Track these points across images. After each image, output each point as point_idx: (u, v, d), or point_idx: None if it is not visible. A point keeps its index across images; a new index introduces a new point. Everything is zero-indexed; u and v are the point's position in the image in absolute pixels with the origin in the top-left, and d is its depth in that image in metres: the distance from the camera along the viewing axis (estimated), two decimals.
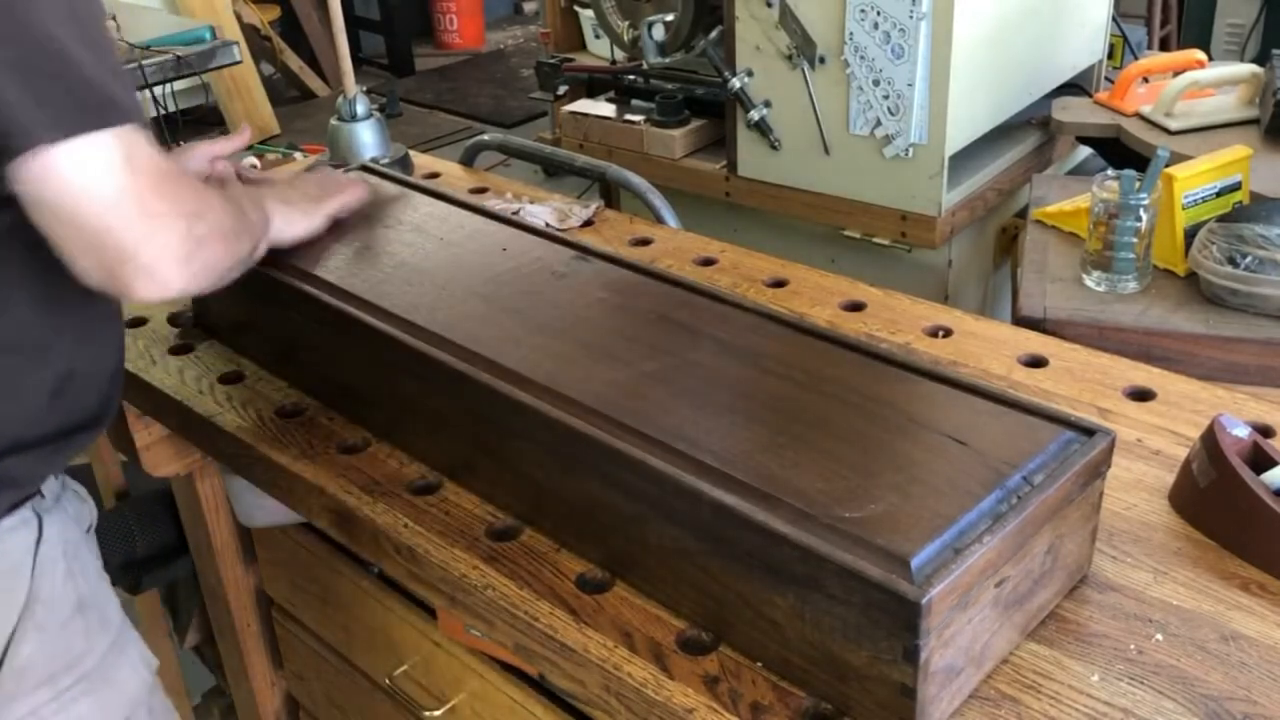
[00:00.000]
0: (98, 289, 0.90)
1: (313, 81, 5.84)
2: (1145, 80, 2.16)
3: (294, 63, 5.79)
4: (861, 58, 1.98)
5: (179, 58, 2.92)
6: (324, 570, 1.37)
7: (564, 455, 0.95)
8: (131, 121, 0.87)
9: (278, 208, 1.20)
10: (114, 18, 3.03)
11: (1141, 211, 1.56)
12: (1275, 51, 1.98)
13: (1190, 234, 1.63)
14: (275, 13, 5.75)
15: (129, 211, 0.87)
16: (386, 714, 1.38)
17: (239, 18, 5.07)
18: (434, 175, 1.83)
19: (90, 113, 0.85)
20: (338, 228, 1.30)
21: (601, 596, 0.93)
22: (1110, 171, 1.63)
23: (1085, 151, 2.45)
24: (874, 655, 0.78)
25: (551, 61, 2.86)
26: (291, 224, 1.22)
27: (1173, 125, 1.99)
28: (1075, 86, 2.37)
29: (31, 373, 0.98)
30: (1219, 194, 1.67)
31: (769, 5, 2.04)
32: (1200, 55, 2.19)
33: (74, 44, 0.85)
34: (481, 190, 1.74)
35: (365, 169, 1.48)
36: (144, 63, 2.83)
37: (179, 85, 3.30)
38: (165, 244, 0.89)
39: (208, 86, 4.19)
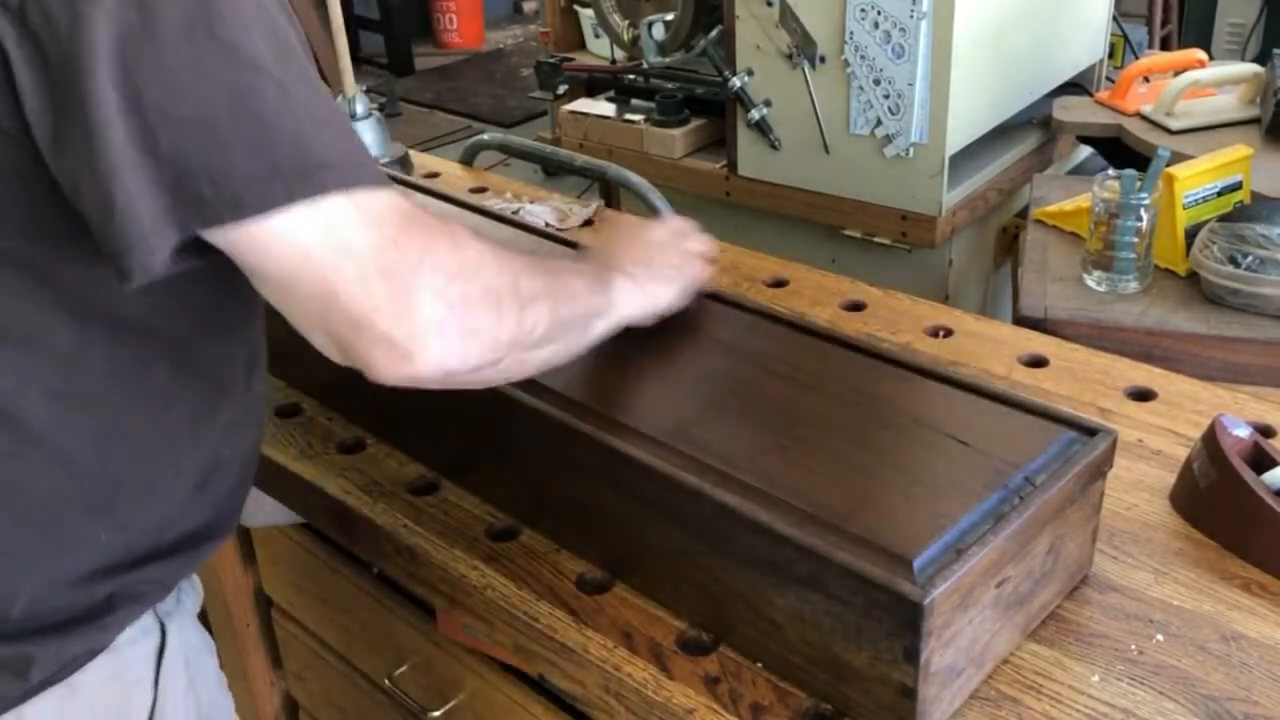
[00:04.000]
0: (346, 365, 0.77)
1: None
2: (1146, 80, 2.16)
3: None
4: (862, 57, 1.98)
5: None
6: (324, 570, 1.37)
7: (564, 455, 0.95)
8: (360, 181, 0.72)
9: (627, 279, 0.96)
10: None
11: (1142, 211, 1.56)
12: (1276, 51, 1.98)
13: (1191, 234, 1.63)
14: None
15: (357, 273, 0.71)
16: (386, 714, 1.37)
17: None
18: (434, 175, 1.83)
19: (306, 175, 0.70)
20: None
21: (601, 596, 0.93)
22: (1111, 171, 1.62)
23: (1086, 151, 2.45)
24: (874, 655, 0.77)
25: (551, 61, 2.86)
26: (650, 300, 0.98)
27: (1173, 125, 1.99)
28: (1076, 86, 2.37)
29: (181, 463, 0.87)
30: (1220, 194, 1.66)
31: (769, 5, 2.04)
32: (1201, 55, 2.18)
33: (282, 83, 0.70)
34: (481, 190, 1.74)
35: None
36: None
37: None
38: (406, 309, 0.72)
39: None
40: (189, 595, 0.98)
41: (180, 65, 0.66)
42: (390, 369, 0.75)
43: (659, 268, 1.01)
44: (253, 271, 0.74)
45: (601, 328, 0.92)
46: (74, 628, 0.83)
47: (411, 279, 0.72)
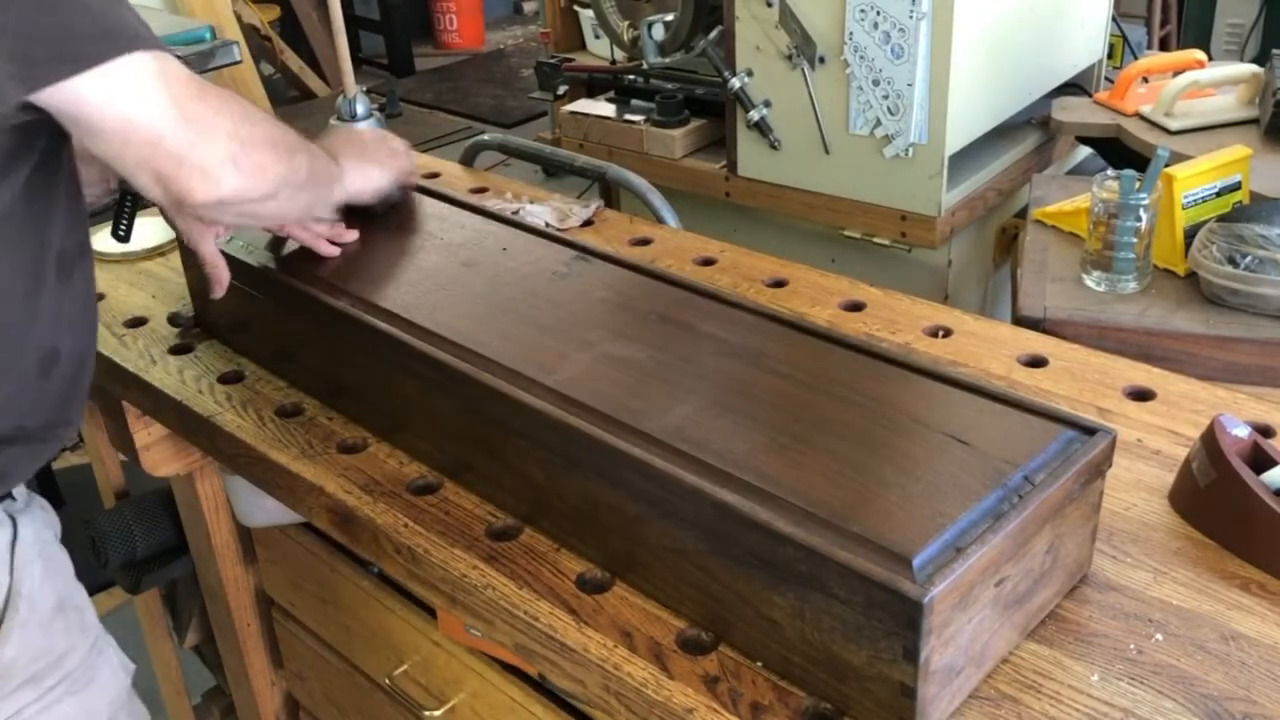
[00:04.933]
0: (162, 203, 0.98)
1: (313, 81, 5.85)
2: (1145, 80, 2.16)
3: (294, 63, 5.79)
4: (861, 58, 1.98)
5: (179, 58, 2.92)
6: (324, 570, 1.37)
7: (564, 455, 0.95)
8: (157, 48, 0.94)
9: (351, 162, 1.21)
10: None
11: (1141, 211, 1.56)
12: (1275, 51, 1.98)
13: (1190, 234, 1.63)
14: (275, 13, 5.76)
15: (173, 119, 0.92)
16: (386, 714, 1.38)
17: (239, 18, 5.06)
18: (434, 175, 1.83)
19: (116, 39, 0.90)
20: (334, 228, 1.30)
21: (601, 596, 0.93)
22: (1110, 171, 1.63)
23: (1085, 151, 2.45)
24: (874, 655, 0.78)
25: (551, 61, 2.86)
26: (368, 178, 1.24)
27: (1173, 125, 1.99)
28: (1075, 86, 2.37)
29: (18, 347, 1.00)
30: (1219, 194, 1.67)
31: (769, 5, 2.04)
32: (1200, 55, 2.19)
33: None
34: (481, 190, 1.74)
35: None
36: None
37: None
38: (212, 144, 0.94)
39: None
40: (40, 509, 1.11)
41: None
42: (205, 193, 0.95)
43: (371, 158, 1.27)
44: (84, 125, 0.91)
45: (339, 194, 1.17)
46: None
47: (214, 122, 0.95)
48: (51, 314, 1.02)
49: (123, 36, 0.91)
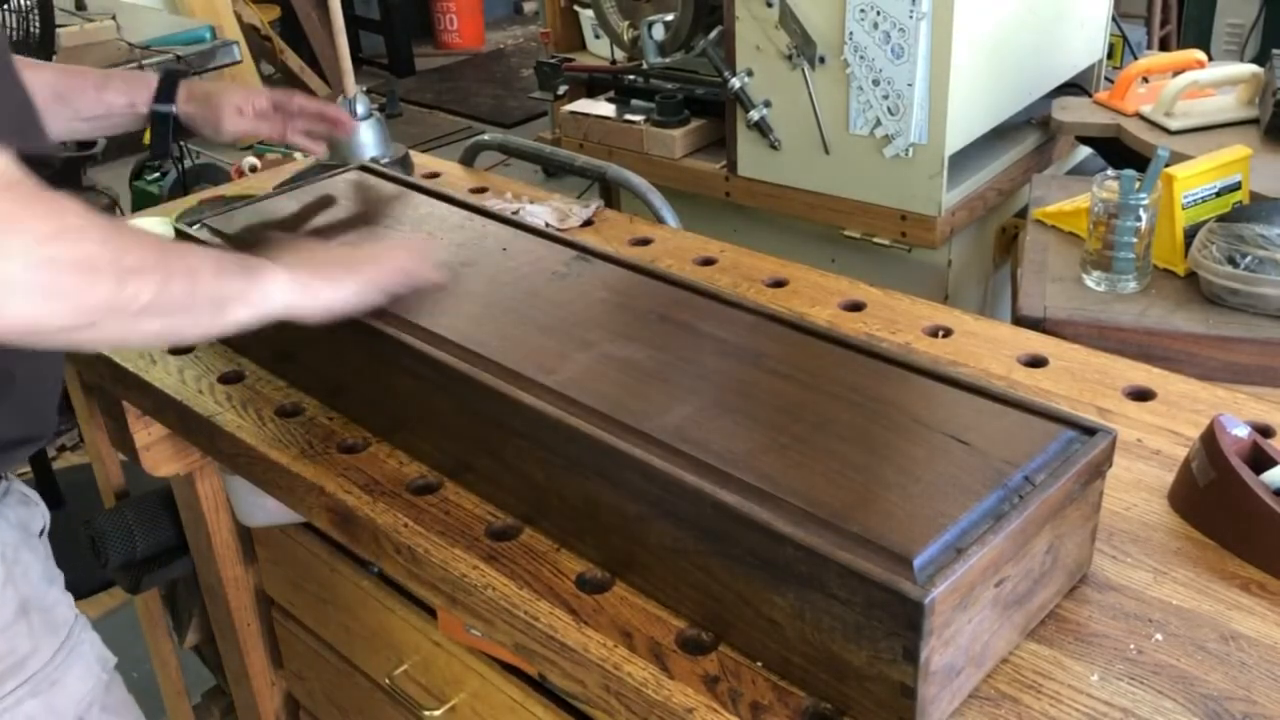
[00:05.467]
0: None
1: (313, 81, 5.84)
2: (1145, 80, 2.16)
3: (294, 63, 5.79)
4: (861, 58, 1.98)
5: (179, 57, 2.93)
6: (324, 570, 1.37)
7: (564, 455, 0.95)
8: None
9: (298, 274, 1.01)
10: (114, 17, 3.04)
11: (1141, 211, 1.56)
12: (1275, 51, 1.98)
13: (1190, 234, 1.63)
14: (275, 13, 5.76)
15: None
16: (386, 714, 1.38)
17: (239, 18, 5.07)
18: (434, 175, 1.83)
19: None
20: (336, 228, 1.30)
21: (601, 596, 0.93)
22: (1110, 171, 1.63)
23: (1085, 151, 2.45)
24: (874, 655, 0.78)
25: (551, 61, 2.86)
26: (316, 294, 1.02)
27: (1173, 125, 1.99)
28: (1075, 86, 2.37)
29: None
30: (1219, 194, 1.67)
31: (769, 5, 2.04)
32: (1200, 55, 2.19)
33: None
34: (481, 190, 1.74)
35: (365, 169, 1.48)
36: (144, 63, 2.84)
37: None
38: None
39: None
40: (11, 508, 1.07)
41: None
42: None
43: (331, 265, 1.06)
44: None
45: (245, 313, 0.97)
46: None
47: (5, 235, 0.78)
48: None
49: None
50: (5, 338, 0.80)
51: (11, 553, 1.05)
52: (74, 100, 1.32)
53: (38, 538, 1.12)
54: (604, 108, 2.53)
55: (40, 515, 1.14)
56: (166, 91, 1.38)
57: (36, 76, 1.27)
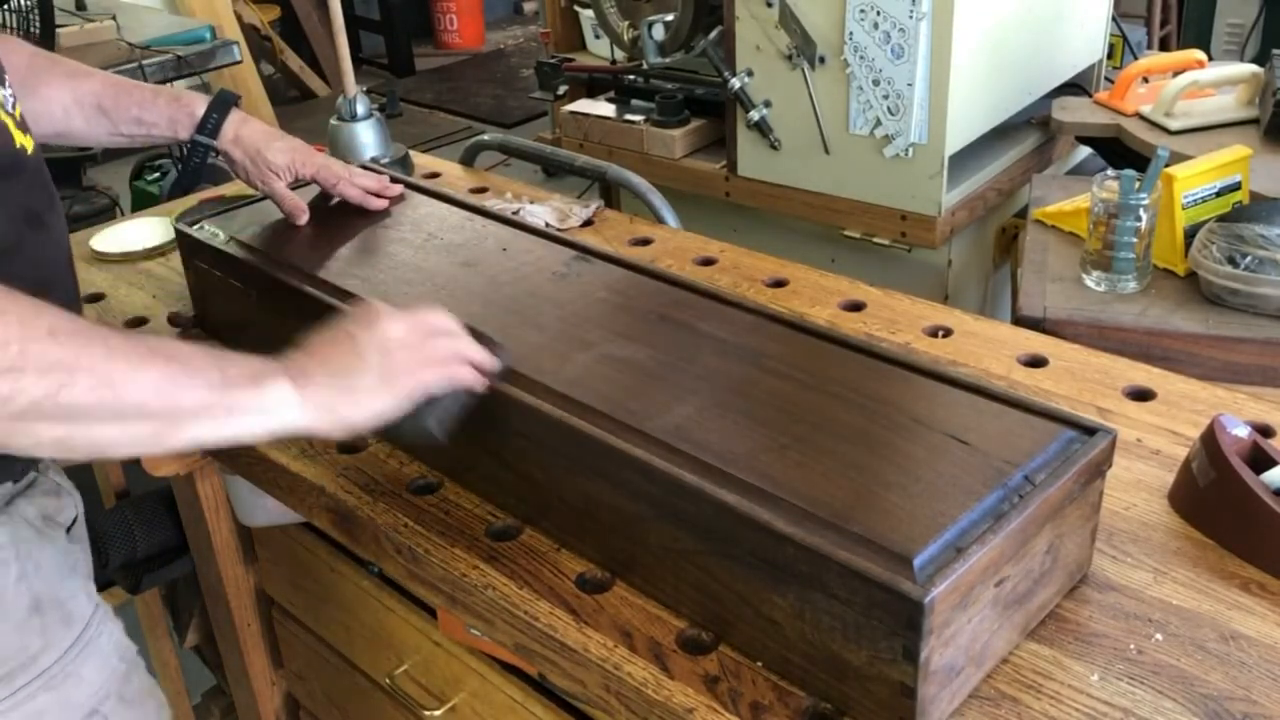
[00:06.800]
0: None
1: (313, 81, 5.85)
2: (1145, 80, 2.16)
3: (294, 63, 5.79)
4: (861, 58, 1.98)
5: (179, 57, 2.93)
6: (324, 570, 1.37)
7: (564, 455, 0.95)
8: None
9: (307, 387, 0.86)
10: (114, 17, 3.04)
11: (1141, 211, 1.56)
12: (1275, 51, 1.98)
13: (1190, 234, 1.63)
14: (275, 13, 5.76)
15: None
16: (386, 714, 1.38)
17: (239, 18, 5.07)
18: (434, 175, 1.83)
19: None
20: (336, 228, 1.30)
21: (601, 596, 0.93)
22: (1110, 171, 1.62)
23: (1085, 151, 2.45)
24: (874, 654, 0.78)
25: (551, 61, 2.86)
26: (333, 416, 0.87)
27: (1173, 125, 1.99)
28: (1075, 86, 2.37)
29: None
30: (1219, 194, 1.67)
31: (769, 5, 2.04)
32: (1200, 55, 2.19)
33: None
34: (481, 190, 1.74)
35: (365, 169, 1.48)
36: (144, 63, 2.84)
37: (179, 85, 3.30)
38: None
39: (208, 86, 4.19)
40: (32, 500, 1.03)
41: None
42: None
43: (358, 373, 0.88)
44: None
45: (232, 430, 0.83)
46: None
47: None
48: None
49: None
50: None
51: (25, 548, 1.02)
52: (115, 115, 1.29)
53: (63, 529, 1.08)
54: (604, 108, 2.53)
55: (71, 505, 1.10)
56: (213, 124, 1.31)
57: (83, 85, 1.27)
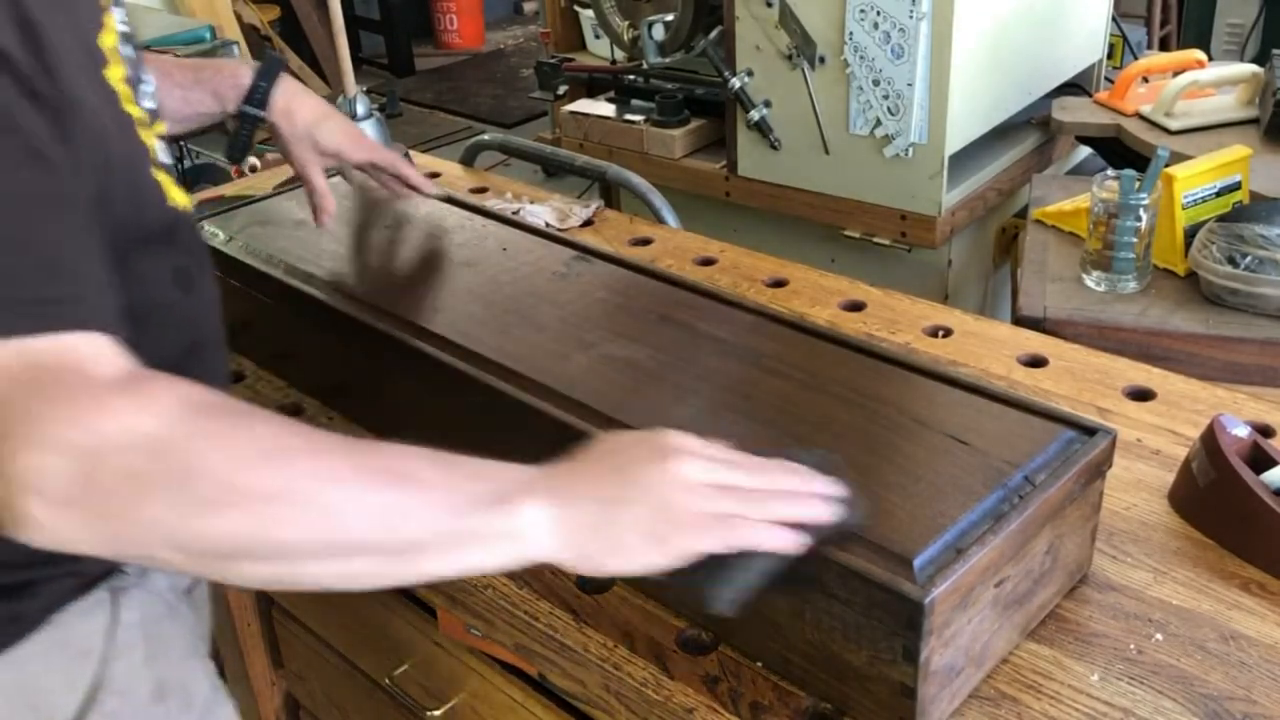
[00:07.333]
0: None
1: (313, 81, 5.84)
2: (1145, 80, 2.16)
3: (294, 63, 5.79)
4: (861, 58, 1.98)
5: (179, 58, 2.93)
6: None
7: (565, 455, 0.95)
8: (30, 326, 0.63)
9: (564, 520, 0.69)
10: None
11: (1141, 211, 1.56)
12: (1275, 51, 1.98)
13: (1190, 234, 1.63)
14: (275, 13, 5.75)
15: None
16: (386, 714, 1.37)
17: (239, 18, 5.07)
18: (434, 175, 1.83)
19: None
20: (336, 227, 1.30)
21: (601, 596, 0.93)
22: (1110, 171, 1.62)
23: (1085, 151, 2.45)
24: (874, 655, 0.78)
25: (551, 61, 2.86)
26: (592, 563, 0.70)
27: (1173, 125, 1.99)
28: (1075, 86, 2.37)
29: None
30: (1219, 194, 1.67)
31: (769, 5, 2.04)
32: (1200, 55, 2.19)
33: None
34: (481, 190, 1.74)
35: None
36: None
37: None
38: (25, 469, 0.60)
39: None
40: (157, 575, 0.93)
41: None
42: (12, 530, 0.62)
43: (630, 516, 0.70)
44: None
45: (456, 564, 0.68)
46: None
47: (51, 440, 0.60)
48: None
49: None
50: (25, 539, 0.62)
51: (155, 628, 0.91)
52: (162, 103, 1.20)
53: (186, 595, 0.99)
54: (604, 108, 2.53)
55: (180, 580, 0.99)
56: (261, 93, 1.20)
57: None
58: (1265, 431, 1.08)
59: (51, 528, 0.61)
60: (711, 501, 0.70)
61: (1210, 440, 0.98)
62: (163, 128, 0.92)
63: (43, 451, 0.60)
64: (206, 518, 0.62)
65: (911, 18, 1.89)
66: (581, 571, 0.71)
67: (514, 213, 1.52)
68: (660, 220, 1.67)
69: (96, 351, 0.65)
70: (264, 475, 0.63)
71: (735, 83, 2.14)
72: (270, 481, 0.64)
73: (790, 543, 0.71)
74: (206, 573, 0.68)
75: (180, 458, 0.62)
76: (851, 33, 1.97)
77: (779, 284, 1.41)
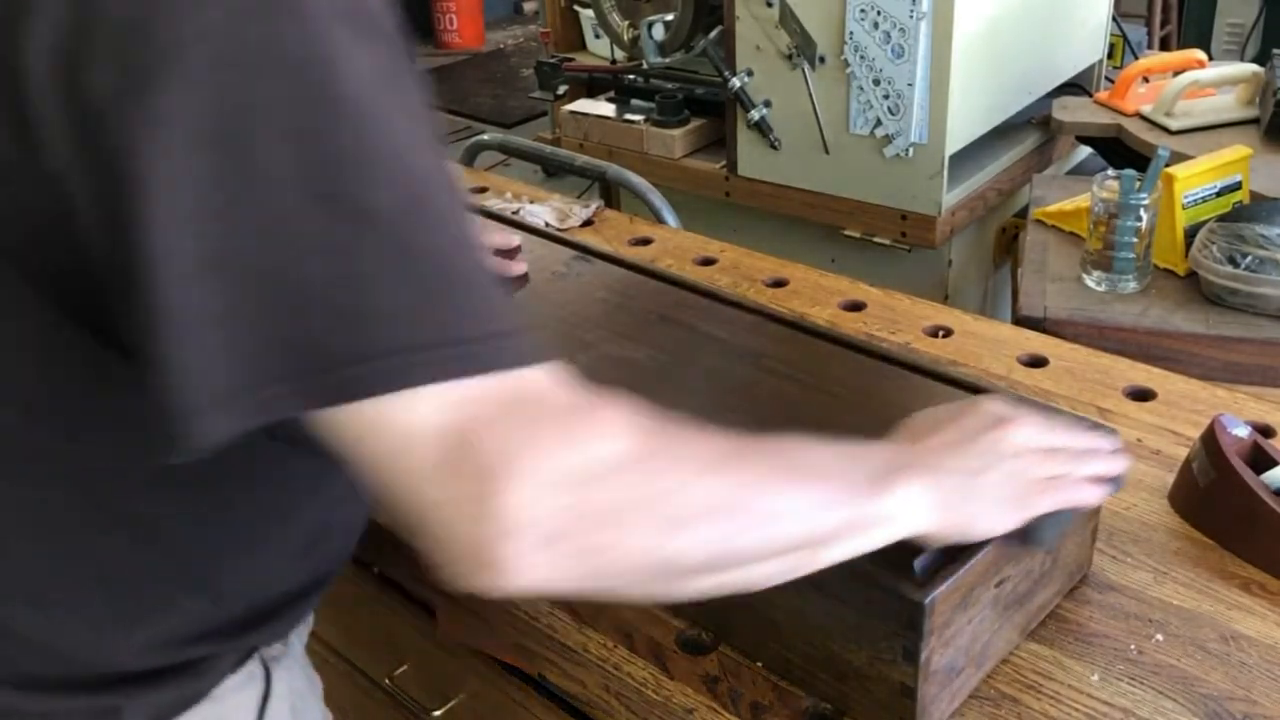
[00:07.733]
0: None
1: None
2: (1145, 80, 2.16)
3: None
4: (861, 57, 1.98)
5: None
6: None
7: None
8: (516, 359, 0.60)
9: (938, 492, 0.71)
10: None
11: (1141, 211, 1.56)
12: (1275, 51, 1.98)
13: (1190, 234, 1.63)
14: None
15: (445, 471, 0.57)
16: (386, 714, 1.37)
17: None
18: None
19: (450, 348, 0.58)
20: None
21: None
22: (1110, 171, 1.62)
23: (1085, 151, 2.45)
24: (874, 655, 0.78)
25: (551, 61, 2.86)
26: (960, 527, 0.73)
27: (1173, 125, 1.99)
28: (1075, 86, 2.37)
29: (287, 534, 0.81)
30: (1219, 194, 1.67)
31: (769, 5, 2.04)
32: (1200, 55, 2.18)
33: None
34: (481, 190, 1.74)
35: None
36: None
37: None
38: (513, 506, 0.56)
39: None
40: (298, 636, 0.93)
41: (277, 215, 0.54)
42: (480, 583, 0.59)
43: (990, 484, 0.73)
44: (339, 453, 0.59)
45: (851, 549, 0.68)
46: (168, 680, 0.79)
47: (529, 479, 0.57)
48: (333, 498, 0.83)
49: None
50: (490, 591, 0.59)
51: (301, 703, 0.91)
52: None
53: (306, 654, 0.98)
54: (604, 108, 2.53)
55: (308, 626, 0.99)
56: None
57: None
58: (1265, 431, 1.07)
59: (532, 568, 0.57)
60: (1047, 464, 0.76)
61: (1210, 440, 0.98)
62: None
63: (535, 488, 0.56)
64: (680, 537, 0.61)
65: (911, 17, 1.89)
66: (948, 542, 0.74)
67: (514, 213, 1.52)
68: (660, 220, 1.67)
69: (552, 380, 0.62)
70: (716, 488, 0.63)
71: (735, 83, 2.14)
72: (723, 494, 0.63)
73: (1103, 496, 0.80)
74: (658, 591, 0.64)
75: (650, 480, 0.61)
76: (851, 32, 1.97)
77: (779, 284, 1.41)
